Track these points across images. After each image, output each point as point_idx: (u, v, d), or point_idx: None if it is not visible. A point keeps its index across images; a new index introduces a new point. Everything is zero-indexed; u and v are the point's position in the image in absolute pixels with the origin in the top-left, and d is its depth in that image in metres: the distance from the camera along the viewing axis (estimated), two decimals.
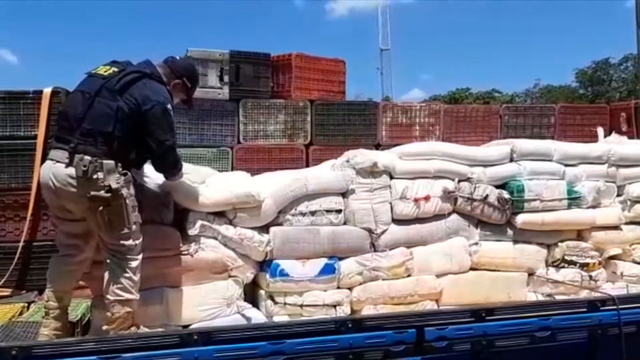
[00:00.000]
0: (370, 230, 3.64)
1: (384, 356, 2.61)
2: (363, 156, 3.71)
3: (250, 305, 3.42)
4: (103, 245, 2.94)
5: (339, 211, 3.62)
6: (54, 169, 2.84)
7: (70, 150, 2.80)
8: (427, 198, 3.73)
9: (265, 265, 3.46)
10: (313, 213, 3.57)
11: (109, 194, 2.76)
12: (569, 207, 3.98)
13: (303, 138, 5.42)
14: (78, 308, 3.55)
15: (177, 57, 3.30)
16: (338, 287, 3.56)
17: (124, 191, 2.83)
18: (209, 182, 3.57)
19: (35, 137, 4.31)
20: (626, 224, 4.14)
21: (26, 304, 3.73)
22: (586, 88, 31.39)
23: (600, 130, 5.17)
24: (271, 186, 3.52)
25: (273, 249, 3.42)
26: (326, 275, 3.50)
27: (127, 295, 2.89)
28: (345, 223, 3.65)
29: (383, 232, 3.67)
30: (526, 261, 3.94)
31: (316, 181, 3.61)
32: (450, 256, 3.77)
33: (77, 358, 2.30)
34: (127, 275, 2.89)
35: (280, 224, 3.52)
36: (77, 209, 2.89)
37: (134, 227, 2.90)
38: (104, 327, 2.92)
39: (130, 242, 2.89)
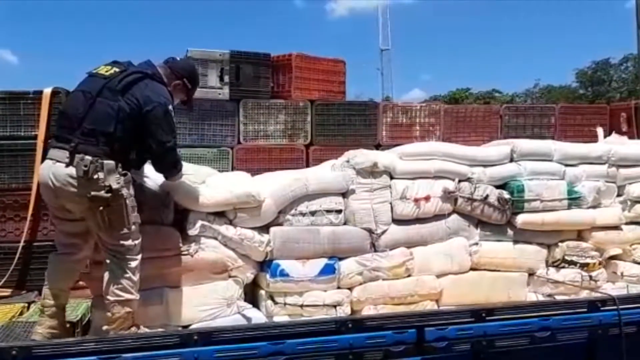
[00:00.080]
0: (370, 231, 3.64)
1: (384, 356, 2.62)
2: (363, 156, 3.71)
3: (250, 306, 3.42)
4: (102, 245, 2.94)
5: (339, 211, 3.62)
6: (54, 169, 2.83)
7: (70, 150, 2.79)
8: (427, 198, 3.73)
9: (265, 265, 3.46)
10: (313, 213, 3.56)
11: (109, 194, 2.76)
12: (569, 207, 3.98)
13: (303, 138, 5.43)
14: (78, 308, 3.56)
15: (178, 58, 3.30)
16: (338, 287, 3.56)
17: (124, 191, 2.83)
18: (209, 182, 3.56)
19: (35, 137, 4.31)
20: (626, 224, 4.14)
21: (26, 304, 3.73)
22: (586, 88, 31.37)
23: (600, 131, 5.17)
24: (271, 186, 3.52)
25: (273, 249, 3.42)
26: (326, 276, 3.50)
27: (127, 296, 2.89)
28: (345, 223, 3.65)
29: (383, 232, 3.67)
30: (526, 261, 3.94)
31: (316, 181, 3.60)
32: (450, 256, 3.77)
33: (78, 358, 2.30)
34: (126, 275, 2.89)
35: (281, 224, 3.52)
36: (77, 208, 2.88)
37: (133, 227, 2.90)
38: (104, 328, 2.92)
39: (129, 242, 2.89)
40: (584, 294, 3.85)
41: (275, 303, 3.45)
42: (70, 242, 3.06)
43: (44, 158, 3.04)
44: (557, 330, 2.83)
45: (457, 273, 3.80)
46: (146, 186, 3.27)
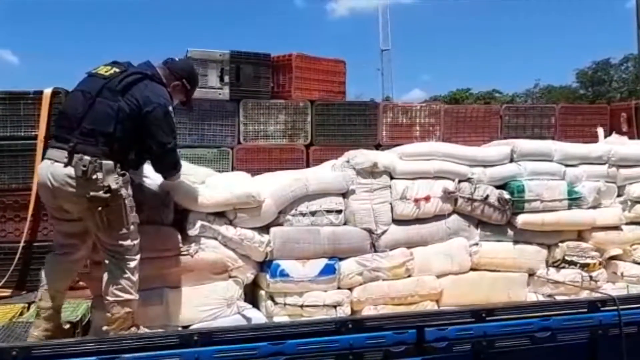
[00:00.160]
0: (370, 231, 3.64)
1: (384, 357, 2.61)
2: (363, 156, 3.71)
3: (250, 306, 3.42)
4: (101, 245, 2.94)
5: (339, 211, 3.62)
6: (52, 169, 2.82)
7: (69, 150, 2.79)
8: (427, 198, 3.73)
9: (265, 265, 3.46)
10: (313, 213, 3.56)
11: (107, 195, 2.75)
12: (570, 207, 3.98)
13: (303, 138, 5.44)
14: (78, 308, 3.56)
15: (177, 59, 3.29)
16: (338, 288, 3.56)
17: (123, 191, 2.83)
18: (209, 183, 3.56)
19: (35, 137, 4.32)
20: (627, 224, 4.14)
21: (26, 305, 3.73)
22: (587, 88, 31.37)
23: (600, 131, 5.16)
24: (271, 186, 3.52)
25: (273, 249, 3.42)
26: (326, 276, 3.50)
27: (126, 296, 2.88)
28: (345, 223, 3.64)
29: (383, 233, 3.66)
30: (526, 261, 3.94)
31: (316, 181, 3.60)
32: (450, 256, 3.77)
33: (78, 358, 2.30)
34: (125, 275, 2.88)
35: (281, 225, 3.51)
36: (75, 209, 2.88)
37: (132, 227, 2.90)
38: (104, 328, 2.92)
39: (128, 242, 2.89)
40: (584, 294, 3.85)
41: (276, 303, 3.45)
42: (68, 243, 3.05)
43: (44, 158, 3.03)
44: (557, 331, 2.82)
45: (457, 273, 3.80)
46: (146, 186, 3.27)
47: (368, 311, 3.54)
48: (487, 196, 3.81)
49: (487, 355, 2.74)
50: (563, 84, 33.07)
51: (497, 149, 4.11)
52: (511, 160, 4.04)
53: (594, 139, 5.08)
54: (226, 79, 5.23)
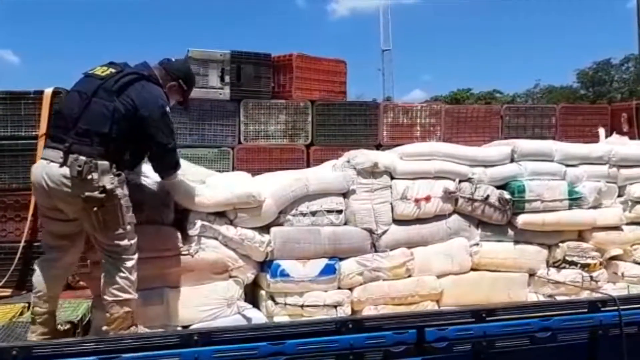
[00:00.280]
0: (371, 231, 3.64)
1: (385, 357, 2.61)
2: (364, 156, 3.70)
3: (250, 306, 3.42)
4: (99, 246, 2.93)
5: (339, 211, 3.62)
6: (47, 169, 2.82)
7: (64, 150, 2.78)
8: (427, 198, 3.72)
9: (265, 265, 3.46)
10: (314, 213, 3.56)
11: (103, 195, 2.74)
12: (570, 207, 3.98)
13: (304, 138, 5.44)
14: (78, 308, 3.56)
15: (173, 59, 3.27)
16: (339, 288, 3.56)
17: (119, 191, 2.82)
18: (209, 182, 3.56)
19: (36, 137, 4.32)
20: (627, 224, 4.14)
21: (27, 304, 3.72)
22: (587, 88, 31.37)
23: (601, 131, 5.16)
24: (272, 186, 3.52)
25: (274, 249, 3.42)
26: (327, 276, 3.49)
27: (125, 295, 2.88)
28: (346, 223, 3.64)
29: (384, 233, 3.66)
30: (527, 262, 3.93)
31: (317, 181, 3.60)
32: (450, 257, 3.77)
33: (77, 358, 2.30)
34: (123, 275, 2.87)
35: (281, 224, 3.51)
36: (70, 209, 2.87)
37: (128, 227, 2.89)
38: (104, 328, 2.91)
39: (125, 242, 2.88)
40: (585, 295, 3.84)
41: (276, 303, 3.45)
42: (57, 244, 3.04)
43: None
44: (557, 331, 2.82)
45: (458, 273, 3.79)
46: (146, 186, 3.27)
47: (368, 311, 3.53)
48: (488, 196, 3.80)
49: (487, 355, 2.74)
50: (564, 84, 33.14)
51: (498, 149, 4.10)
52: (512, 161, 4.04)
53: (594, 139, 5.08)
54: (227, 79, 5.24)
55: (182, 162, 3.31)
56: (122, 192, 2.85)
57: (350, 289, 3.59)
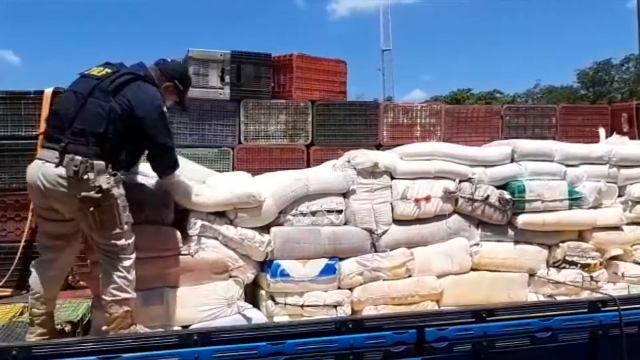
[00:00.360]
0: (371, 231, 3.64)
1: (385, 357, 2.60)
2: (364, 156, 3.70)
3: (250, 306, 3.42)
4: (96, 246, 2.93)
5: (339, 211, 3.62)
6: (43, 169, 2.81)
7: (60, 150, 2.77)
8: (427, 198, 3.72)
9: (265, 265, 3.46)
10: (314, 213, 3.56)
11: (99, 195, 2.74)
12: (570, 207, 3.98)
13: (304, 138, 5.44)
14: (79, 308, 3.56)
15: (169, 59, 3.27)
16: (339, 288, 3.56)
17: (115, 191, 2.81)
18: (209, 182, 3.57)
19: (36, 137, 4.30)
20: (627, 224, 4.14)
21: (27, 304, 3.72)
22: (587, 89, 31.36)
23: (601, 131, 5.16)
24: (272, 186, 3.52)
25: (274, 249, 3.42)
26: (327, 276, 3.49)
27: (123, 295, 2.88)
28: (346, 223, 3.64)
29: (384, 233, 3.66)
30: (527, 262, 3.93)
31: (317, 181, 3.60)
32: (451, 257, 3.77)
33: (77, 358, 2.30)
34: (121, 274, 2.87)
35: (281, 224, 3.51)
36: (66, 209, 2.86)
37: (125, 227, 2.89)
38: (104, 328, 2.91)
39: (122, 241, 2.87)
40: (585, 295, 3.84)
41: (276, 303, 3.45)
42: (52, 245, 3.04)
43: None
44: (557, 331, 2.82)
45: (458, 273, 3.79)
46: (147, 186, 3.28)
47: (368, 311, 3.54)
48: (488, 196, 3.80)
49: (488, 355, 2.74)
50: (564, 84, 33.14)
51: (498, 149, 4.10)
52: (512, 161, 4.04)
53: (594, 139, 5.07)
54: (227, 79, 5.24)
55: (182, 160, 3.32)
56: (119, 191, 2.85)
57: (350, 289, 3.59)
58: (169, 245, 3.21)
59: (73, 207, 2.81)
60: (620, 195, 4.23)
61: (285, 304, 3.45)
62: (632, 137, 5.27)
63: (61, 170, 2.76)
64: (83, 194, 2.72)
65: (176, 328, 3.11)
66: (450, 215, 3.82)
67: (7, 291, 4.11)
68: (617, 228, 4.09)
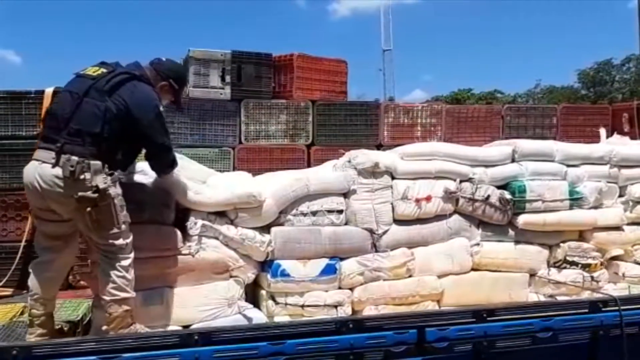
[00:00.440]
0: (371, 231, 3.64)
1: (385, 357, 2.61)
2: (364, 156, 3.70)
3: (251, 306, 3.41)
4: (94, 246, 2.93)
5: (340, 211, 3.62)
6: (40, 170, 2.81)
7: (56, 151, 2.77)
8: (428, 198, 3.72)
9: (266, 265, 3.46)
10: (314, 213, 3.56)
11: (96, 195, 2.73)
12: (571, 207, 3.97)
13: (304, 138, 5.43)
14: (79, 308, 3.57)
15: (164, 59, 3.26)
16: (339, 288, 3.56)
17: (112, 191, 2.81)
18: (210, 182, 3.57)
19: (37, 137, 4.30)
20: (628, 224, 4.14)
21: (27, 304, 3.73)
22: (588, 89, 31.32)
23: (602, 131, 5.15)
24: (272, 186, 3.52)
25: (274, 249, 3.42)
26: (327, 276, 3.49)
27: (122, 294, 2.87)
28: (346, 223, 3.64)
29: (384, 233, 3.66)
30: (528, 262, 3.93)
31: (318, 181, 3.60)
32: (451, 257, 3.77)
33: (78, 358, 2.30)
34: (120, 274, 2.87)
35: (282, 224, 3.51)
36: (63, 209, 2.86)
37: (123, 226, 2.88)
38: (104, 328, 2.91)
39: (120, 241, 2.87)
40: (586, 295, 3.84)
41: (276, 303, 3.45)
42: (50, 245, 3.03)
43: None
44: (558, 331, 2.82)
45: (458, 273, 3.79)
46: (147, 186, 3.28)
47: (369, 311, 3.53)
48: (489, 196, 3.80)
49: (488, 355, 2.74)
50: (565, 84, 33.08)
51: (499, 149, 4.10)
52: (512, 161, 4.04)
53: (595, 139, 5.07)
54: (227, 78, 5.24)
55: (183, 160, 3.31)
56: (116, 191, 2.84)
57: (351, 289, 3.59)
58: (169, 245, 3.21)
59: (70, 208, 2.80)
60: (621, 196, 4.23)
61: (286, 304, 3.45)
62: (633, 137, 5.26)
63: (58, 171, 2.75)
64: (80, 194, 2.72)
65: (177, 328, 3.11)
66: (450, 215, 3.82)
67: (8, 291, 4.11)
68: (617, 228, 4.09)
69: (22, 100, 4.54)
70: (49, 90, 4.42)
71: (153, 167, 3.12)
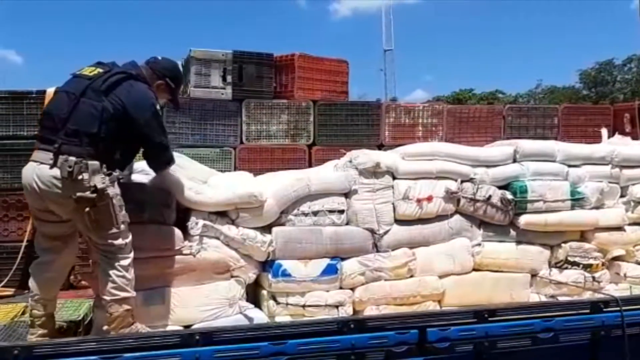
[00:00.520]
0: (372, 231, 3.64)
1: (386, 357, 2.60)
2: (366, 156, 3.70)
3: (252, 306, 3.41)
4: (94, 246, 2.93)
5: (341, 211, 3.62)
6: (38, 171, 2.80)
7: (54, 151, 2.76)
8: (429, 198, 3.72)
9: (267, 265, 3.46)
10: (315, 213, 3.56)
11: (94, 195, 2.73)
12: (572, 208, 3.97)
13: (306, 138, 5.44)
14: (80, 308, 3.57)
15: (159, 58, 3.27)
16: (340, 288, 3.56)
17: (110, 191, 2.80)
18: (211, 182, 3.57)
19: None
20: (629, 225, 4.13)
21: (28, 304, 3.73)
22: (590, 89, 31.28)
23: (604, 131, 5.15)
24: (273, 186, 3.52)
25: (275, 249, 3.42)
26: (328, 276, 3.49)
27: (123, 294, 2.87)
28: (347, 223, 3.64)
29: (385, 233, 3.66)
30: (529, 262, 3.93)
31: (319, 181, 3.60)
32: (452, 257, 3.76)
33: (79, 358, 2.30)
34: (120, 274, 2.87)
35: (283, 224, 3.51)
36: (62, 210, 2.86)
37: (122, 226, 2.88)
38: (105, 327, 2.91)
39: (119, 241, 2.87)
40: (587, 295, 3.84)
41: (277, 303, 3.45)
42: (49, 246, 3.03)
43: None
44: (559, 331, 2.81)
45: (460, 274, 3.79)
46: (148, 186, 3.28)
47: (370, 311, 3.53)
48: (490, 196, 3.80)
49: (489, 355, 2.74)
50: (566, 84, 33.01)
51: (500, 149, 4.10)
52: (514, 161, 4.04)
53: (597, 139, 5.07)
54: (229, 78, 5.24)
55: (183, 158, 3.31)
56: (114, 191, 2.84)
57: (352, 289, 3.59)
58: (170, 245, 3.21)
59: (69, 208, 2.80)
60: (622, 196, 4.22)
61: (287, 304, 3.45)
62: (634, 138, 5.25)
63: (56, 172, 2.75)
64: (78, 194, 2.72)
65: (178, 328, 3.11)
66: (452, 215, 3.82)
67: (9, 291, 4.12)
68: (619, 228, 4.08)
69: (24, 100, 4.55)
70: (50, 90, 4.41)
71: (150, 166, 3.14)
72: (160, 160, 3.09)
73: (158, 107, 3.00)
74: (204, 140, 5.17)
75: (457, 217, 3.83)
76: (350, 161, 3.72)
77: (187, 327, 3.14)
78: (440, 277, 3.74)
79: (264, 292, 3.50)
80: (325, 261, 3.50)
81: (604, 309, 2.93)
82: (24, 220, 4.35)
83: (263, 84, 5.38)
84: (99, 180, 2.76)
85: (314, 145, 5.43)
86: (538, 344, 2.79)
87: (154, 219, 3.21)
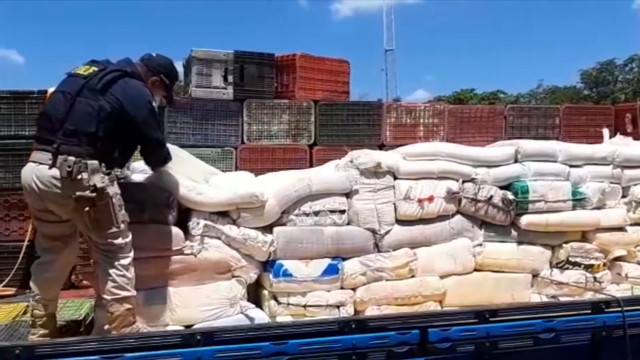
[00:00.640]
0: (374, 231, 3.63)
1: (388, 357, 2.61)
2: (367, 156, 3.70)
3: (253, 306, 3.41)
4: (94, 246, 2.93)
5: (342, 211, 3.61)
6: (37, 171, 2.80)
7: (53, 151, 2.76)
8: (430, 199, 3.72)
9: (268, 265, 3.46)
10: (317, 213, 3.56)
11: (94, 194, 2.73)
12: (574, 208, 3.97)
13: (307, 138, 5.44)
14: (82, 307, 3.57)
15: (154, 54, 3.27)
16: (341, 288, 3.56)
17: (110, 190, 2.80)
18: (212, 182, 3.57)
19: None
20: (631, 225, 4.12)
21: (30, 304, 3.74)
22: (591, 89, 31.24)
23: (605, 131, 5.15)
24: (275, 186, 3.52)
25: (276, 249, 3.42)
26: (330, 276, 3.49)
27: (123, 293, 2.87)
28: (349, 223, 3.64)
29: (387, 233, 3.66)
30: (530, 262, 3.92)
31: (320, 181, 3.60)
32: (454, 257, 3.76)
33: (80, 357, 2.30)
34: (120, 273, 2.87)
35: (284, 224, 3.51)
36: (62, 210, 2.86)
37: (122, 225, 2.88)
38: (106, 327, 2.91)
39: (119, 240, 2.87)
40: (588, 296, 3.83)
41: (279, 303, 3.45)
42: (50, 246, 3.04)
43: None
44: (561, 332, 2.81)
45: (461, 274, 3.78)
46: (149, 186, 3.28)
47: (371, 311, 3.53)
48: (491, 197, 3.80)
49: (491, 356, 2.74)
50: (567, 84, 32.98)
51: (501, 149, 4.10)
52: (515, 161, 4.03)
53: (598, 139, 5.07)
54: (230, 78, 5.25)
55: (182, 152, 3.31)
56: (113, 190, 2.84)
57: (353, 289, 3.58)
58: (171, 245, 3.21)
59: (69, 208, 2.81)
60: (624, 196, 4.22)
61: (288, 304, 3.45)
62: (635, 138, 5.24)
63: (55, 172, 2.75)
64: (78, 193, 2.72)
65: (179, 328, 3.11)
66: (453, 215, 3.81)
67: (11, 290, 4.12)
68: (620, 229, 4.08)
69: (25, 100, 4.55)
70: (51, 90, 4.42)
71: (148, 163, 3.16)
72: (157, 156, 3.10)
73: (154, 103, 3.00)
74: (205, 140, 5.18)
75: (458, 217, 3.83)
76: (352, 161, 3.72)
77: (188, 327, 3.14)
78: (442, 277, 3.73)
79: (265, 292, 3.50)
80: (327, 261, 3.50)
81: (606, 310, 2.93)
82: (25, 220, 4.35)
83: (264, 84, 5.38)
84: (99, 180, 2.76)
85: (315, 145, 5.43)
86: (539, 344, 2.79)
87: (155, 219, 3.21)
